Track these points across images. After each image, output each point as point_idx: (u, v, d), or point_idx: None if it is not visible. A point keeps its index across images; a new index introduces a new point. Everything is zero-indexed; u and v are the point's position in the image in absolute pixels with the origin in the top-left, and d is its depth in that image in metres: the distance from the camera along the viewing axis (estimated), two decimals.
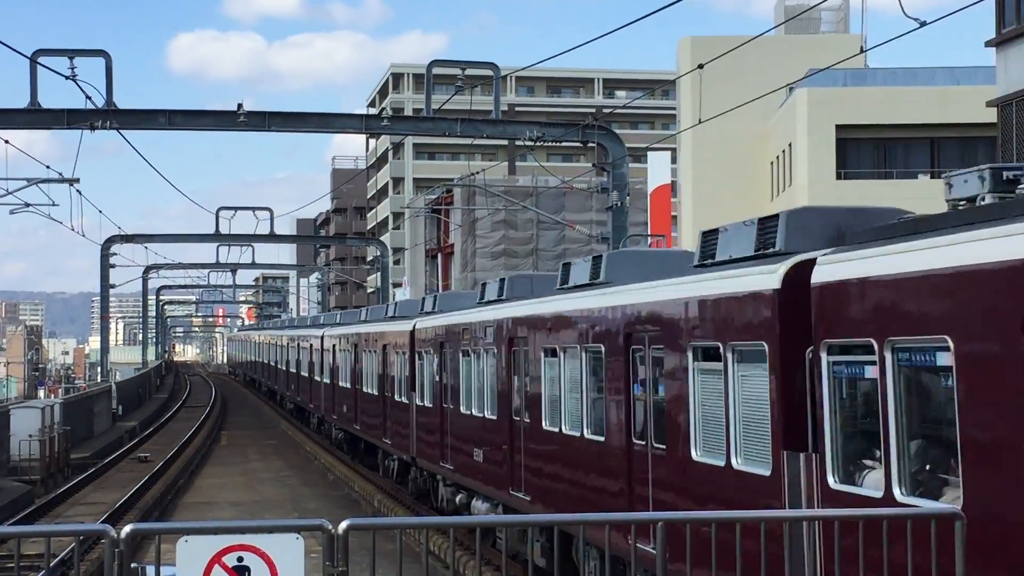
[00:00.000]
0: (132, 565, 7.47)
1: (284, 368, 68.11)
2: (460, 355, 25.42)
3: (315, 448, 48.41)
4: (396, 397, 32.80)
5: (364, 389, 38.48)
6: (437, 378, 27.72)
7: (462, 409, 25.26)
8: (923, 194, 36.55)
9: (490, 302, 24.52)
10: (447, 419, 26.74)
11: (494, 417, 22.72)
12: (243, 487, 37.30)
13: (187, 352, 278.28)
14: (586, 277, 18.98)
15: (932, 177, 52.17)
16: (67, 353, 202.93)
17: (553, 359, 19.16)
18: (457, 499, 26.02)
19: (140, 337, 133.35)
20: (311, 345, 53.12)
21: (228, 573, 7.41)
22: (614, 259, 18.72)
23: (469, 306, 26.22)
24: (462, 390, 25.36)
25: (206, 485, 38.26)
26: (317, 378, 50.85)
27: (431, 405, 28.46)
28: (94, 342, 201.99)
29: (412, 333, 30.63)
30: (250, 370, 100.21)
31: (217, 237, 71.46)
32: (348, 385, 41.75)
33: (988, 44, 29.67)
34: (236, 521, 8.81)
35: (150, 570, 8.00)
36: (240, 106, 34.24)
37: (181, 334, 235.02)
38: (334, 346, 45.86)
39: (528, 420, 20.57)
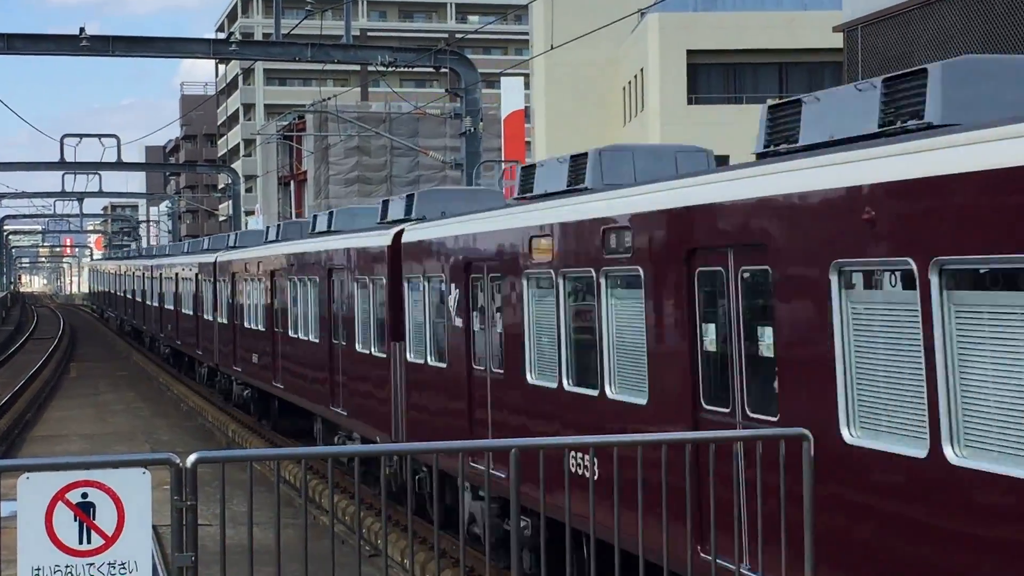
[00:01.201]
0: None
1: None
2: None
3: (168, 379, 47.80)
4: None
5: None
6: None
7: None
8: None
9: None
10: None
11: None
12: (94, 419, 36.69)
13: (34, 283, 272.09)
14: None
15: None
16: None
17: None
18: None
19: None
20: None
21: (72, 510, 7.26)
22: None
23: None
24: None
25: (55, 418, 37.55)
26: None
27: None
28: None
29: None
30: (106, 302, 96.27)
31: (62, 165, 69.78)
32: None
33: None
34: (79, 457, 8.66)
35: None
36: (82, 30, 33.31)
37: (27, 265, 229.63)
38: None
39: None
